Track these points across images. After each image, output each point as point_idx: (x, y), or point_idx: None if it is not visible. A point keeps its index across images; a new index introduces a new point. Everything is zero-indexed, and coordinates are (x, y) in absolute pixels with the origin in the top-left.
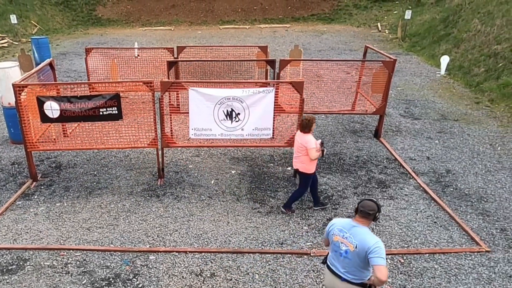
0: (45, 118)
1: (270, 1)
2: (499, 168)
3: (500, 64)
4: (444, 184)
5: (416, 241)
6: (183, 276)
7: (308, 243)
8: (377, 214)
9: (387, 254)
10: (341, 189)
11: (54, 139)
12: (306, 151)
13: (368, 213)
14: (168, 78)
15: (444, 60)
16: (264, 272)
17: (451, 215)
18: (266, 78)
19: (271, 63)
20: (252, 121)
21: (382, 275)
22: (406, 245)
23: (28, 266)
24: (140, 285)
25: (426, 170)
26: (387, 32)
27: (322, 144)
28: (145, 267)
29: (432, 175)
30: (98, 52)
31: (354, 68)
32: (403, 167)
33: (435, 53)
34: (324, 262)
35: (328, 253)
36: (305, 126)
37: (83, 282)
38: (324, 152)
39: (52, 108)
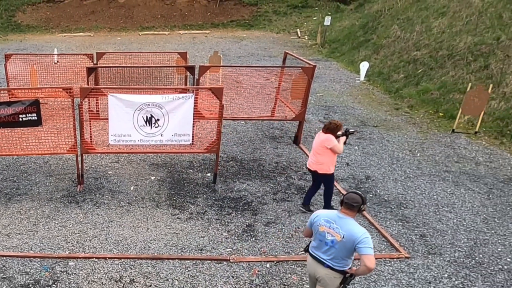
0: None
1: (190, 8)
2: (419, 174)
3: (420, 70)
4: (364, 190)
5: None
6: (102, 283)
7: (227, 249)
8: (361, 206)
9: (306, 260)
10: (261, 195)
11: None
12: (325, 151)
13: (352, 205)
14: (88, 84)
15: (364, 66)
16: (183, 279)
17: (370, 221)
18: (186, 84)
19: (191, 69)
20: (172, 127)
21: (371, 263)
22: None
23: None
24: None
25: (346, 176)
26: (306, 38)
27: (346, 134)
28: (65, 273)
29: (351, 181)
30: (18, 58)
31: (273, 74)
32: None
33: (354, 59)
34: (306, 250)
35: (310, 242)
36: (332, 129)
37: None
38: (347, 135)
39: None
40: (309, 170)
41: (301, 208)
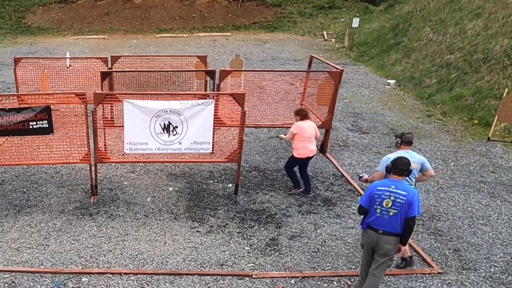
0: None
1: (210, 9)
2: (452, 185)
3: (453, 75)
4: None
5: None
6: None
7: (249, 264)
8: (412, 140)
9: (333, 276)
10: (285, 207)
11: None
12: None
13: (411, 142)
14: (102, 90)
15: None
16: None
17: None
18: (206, 90)
19: (211, 73)
20: (191, 134)
21: (433, 172)
22: (353, 267)
23: None
24: None
25: None
26: (333, 41)
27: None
28: None
29: None
30: (28, 62)
31: (298, 79)
32: (351, 183)
33: (384, 63)
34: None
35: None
36: (309, 116)
37: None
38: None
39: None
40: (308, 158)
41: (300, 192)
